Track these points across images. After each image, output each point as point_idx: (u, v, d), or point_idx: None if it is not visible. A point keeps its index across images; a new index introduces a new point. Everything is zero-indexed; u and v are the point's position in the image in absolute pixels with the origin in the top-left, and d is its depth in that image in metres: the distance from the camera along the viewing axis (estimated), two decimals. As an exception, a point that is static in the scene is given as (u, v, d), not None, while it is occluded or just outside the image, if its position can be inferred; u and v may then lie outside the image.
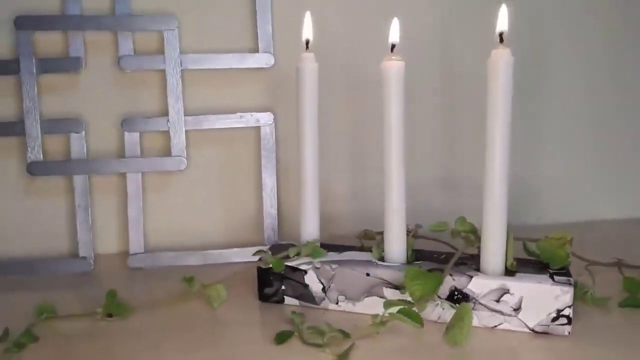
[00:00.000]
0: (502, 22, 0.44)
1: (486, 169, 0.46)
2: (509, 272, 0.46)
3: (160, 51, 0.61)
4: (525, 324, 0.45)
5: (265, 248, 0.54)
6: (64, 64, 0.60)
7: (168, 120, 0.61)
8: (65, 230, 0.63)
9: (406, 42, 0.49)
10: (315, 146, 0.52)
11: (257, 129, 0.63)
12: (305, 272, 0.50)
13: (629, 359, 0.42)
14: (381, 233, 0.51)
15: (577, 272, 0.50)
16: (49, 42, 0.60)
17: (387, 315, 0.43)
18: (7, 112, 0.61)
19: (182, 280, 0.51)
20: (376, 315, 0.43)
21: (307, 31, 0.51)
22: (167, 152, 0.62)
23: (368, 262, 0.49)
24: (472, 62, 0.49)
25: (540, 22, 0.67)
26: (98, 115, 0.62)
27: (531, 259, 0.48)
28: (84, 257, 0.61)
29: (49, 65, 0.60)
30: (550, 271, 0.46)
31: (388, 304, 0.44)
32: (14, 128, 0.60)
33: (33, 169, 0.60)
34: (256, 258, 0.63)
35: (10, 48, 0.60)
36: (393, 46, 0.48)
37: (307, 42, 0.51)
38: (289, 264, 0.50)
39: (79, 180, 0.61)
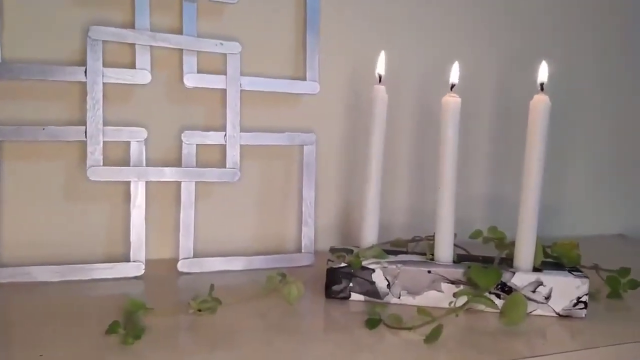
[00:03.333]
0: (543, 74, 0.58)
1: (523, 190, 0.58)
2: (536, 269, 0.59)
3: (222, 71, 0.67)
4: (553, 309, 0.57)
5: (306, 256, 0.62)
6: (131, 75, 0.63)
7: (225, 135, 0.67)
8: (118, 235, 0.65)
9: (467, 80, 0.61)
10: (380, 162, 0.61)
11: (301, 147, 0.71)
12: (373, 270, 0.58)
13: (622, 330, 0.56)
14: (428, 238, 0.62)
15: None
16: (117, 52, 0.63)
17: (458, 303, 0.53)
18: (71, 117, 0.62)
19: (268, 277, 0.57)
20: (451, 303, 0.53)
21: (381, 67, 0.61)
22: (221, 164, 0.67)
23: (426, 262, 0.59)
24: (519, 101, 0.63)
25: (574, 74, 0.87)
26: (158, 126, 0.66)
27: (547, 260, 0.62)
28: (137, 261, 0.64)
29: (116, 74, 0.63)
30: (567, 268, 0.59)
31: (459, 293, 0.54)
32: (75, 132, 0.62)
33: (92, 173, 0.62)
34: (297, 264, 0.70)
35: (80, 55, 0.62)
36: (453, 85, 0.59)
37: (380, 77, 0.60)
38: (364, 263, 0.58)
39: (136, 186, 0.64)
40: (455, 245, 0.63)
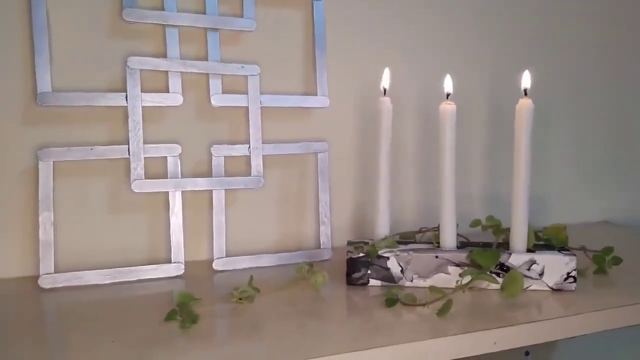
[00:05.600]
0: (526, 81, 0.67)
1: (514, 180, 0.67)
2: (529, 250, 0.67)
3: (244, 91, 0.75)
4: (546, 284, 0.66)
5: (324, 252, 0.70)
6: (165, 98, 0.72)
7: (249, 147, 0.75)
8: (158, 240, 0.73)
9: (461, 89, 0.70)
10: (388, 164, 0.70)
11: (315, 155, 0.80)
12: (388, 258, 0.67)
13: (609, 301, 0.64)
14: (434, 229, 0.70)
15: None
16: (153, 79, 0.72)
17: (464, 281, 0.61)
18: (115, 137, 0.71)
19: (297, 268, 0.65)
20: (458, 281, 0.61)
21: (385, 81, 0.70)
22: (246, 173, 0.76)
23: (433, 249, 0.68)
24: (508, 105, 0.71)
25: (552, 80, 0.96)
26: (190, 142, 0.74)
27: (538, 243, 0.70)
28: (177, 262, 0.72)
29: (152, 98, 0.71)
30: (557, 248, 0.68)
31: (464, 273, 0.62)
32: (119, 151, 0.70)
33: (136, 186, 0.70)
34: (317, 259, 0.78)
35: (121, 83, 0.70)
36: (448, 94, 0.68)
37: (385, 90, 0.69)
38: (380, 252, 0.66)
39: (174, 195, 0.72)
40: (457, 234, 0.72)
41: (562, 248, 0.68)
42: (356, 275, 0.67)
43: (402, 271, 0.67)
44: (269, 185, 0.79)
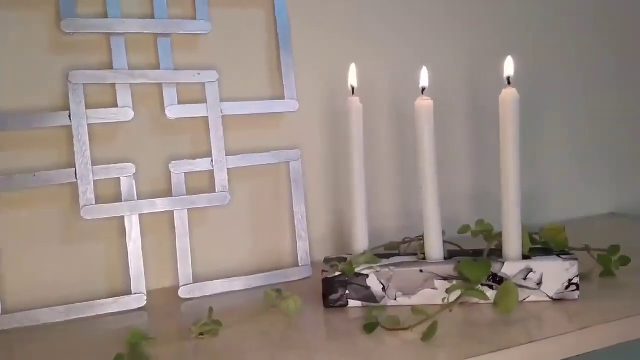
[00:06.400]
0: (509, 68, 0.60)
1: (503, 180, 0.60)
2: (525, 257, 0.60)
3: (202, 100, 0.69)
4: (546, 294, 0.59)
5: (304, 269, 0.63)
6: (114, 114, 0.66)
7: (212, 161, 0.69)
8: (117, 270, 0.67)
9: (438, 83, 0.63)
10: (362, 171, 0.63)
11: (287, 164, 0.73)
12: (367, 275, 0.60)
13: (619, 309, 0.57)
14: (418, 238, 0.63)
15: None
16: (99, 93, 0.65)
17: (451, 298, 0.54)
18: (61, 160, 0.64)
19: (266, 294, 0.58)
20: (444, 299, 0.54)
21: (353, 79, 0.63)
22: (210, 189, 0.69)
23: (417, 262, 0.61)
24: (491, 97, 0.65)
25: (539, 65, 0.89)
26: (146, 159, 0.68)
27: (536, 247, 0.63)
28: (138, 293, 0.65)
29: (99, 115, 0.65)
30: (555, 253, 0.61)
31: (451, 288, 0.55)
32: (66, 175, 0.64)
33: (86, 213, 0.63)
34: (296, 278, 0.72)
35: (64, 100, 0.64)
36: (423, 89, 0.61)
37: (353, 89, 0.63)
38: (356, 270, 0.59)
39: (130, 220, 0.66)
40: (446, 242, 0.64)
41: (562, 252, 0.61)
42: (334, 296, 0.61)
43: (384, 289, 0.60)
44: (239, 200, 0.72)
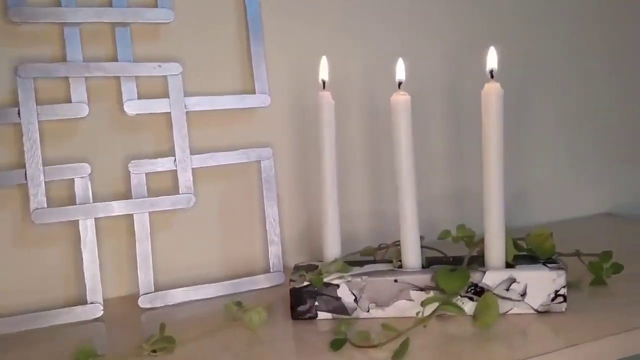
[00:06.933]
0: (492, 61, 0.55)
1: (485, 182, 0.55)
2: (509, 265, 0.55)
3: (165, 94, 0.64)
4: (530, 306, 0.54)
5: (276, 276, 0.59)
6: (67, 110, 0.61)
7: (175, 160, 0.64)
8: (72, 277, 0.62)
9: (416, 77, 0.58)
10: (334, 171, 0.58)
11: (258, 163, 0.68)
12: (338, 286, 0.55)
13: (609, 322, 0.52)
14: (395, 244, 0.59)
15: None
16: (50, 88, 0.61)
17: (426, 312, 0.50)
18: (9, 160, 0.60)
19: (226, 307, 0.54)
20: (418, 313, 0.50)
21: (323, 73, 0.58)
22: (174, 191, 0.64)
23: (392, 271, 0.56)
24: (471, 92, 0.60)
25: (526, 60, 0.82)
26: (103, 159, 0.63)
27: (521, 254, 0.58)
28: (94, 303, 0.61)
29: (52, 111, 0.60)
30: (542, 261, 0.56)
31: (426, 301, 0.50)
32: (16, 176, 0.59)
33: (37, 217, 0.59)
34: (266, 285, 0.67)
35: (11, 96, 0.59)
36: (400, 83, 0.56)
37: (324, 83, 0.58)
38: (325, 280, 0.55)
39: (84, 224, 0.61)
40: (426, 247, 0.60)
41: (549, 260, 0.57)
42: (302, 308, 0.56)
43: (355, 300, 0.55)
44: (206, 203, 0.67)
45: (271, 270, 0.68)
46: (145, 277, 0.63)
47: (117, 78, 0.63)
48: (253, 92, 0.68)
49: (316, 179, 0.70)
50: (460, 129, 0.79)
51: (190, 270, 0.67)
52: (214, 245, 0.68)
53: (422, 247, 0.60)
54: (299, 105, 0.71)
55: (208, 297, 0.64)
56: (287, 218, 0.71)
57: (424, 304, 0.51)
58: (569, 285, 0.59)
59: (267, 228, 0.68)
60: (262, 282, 0.67)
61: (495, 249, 0.55)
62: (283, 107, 0.70)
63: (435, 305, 0.51)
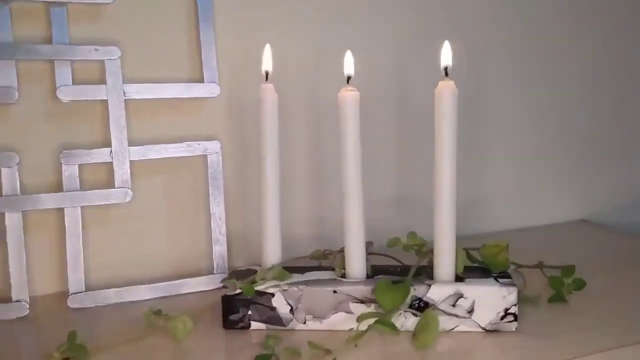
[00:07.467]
0: (446, 57, 0.50)
1: (436, 188, 0.51)
2: (459, 278, 0.51)
3: (102, 81, 0.59)
4: (478, 324, 0.50)
5: (217, 278, 0.55)
6: (-6, 94, 0.57)
7: (111, 151, 0.60)
8: (4, 274, 0.58)
9: (362, 73, 0.54)
10: (276, 171, 0.54)
11: (205, 157, 0.64)
12: (273, 295, 0.51)
13: (564, 345, 0.48)
14: (341, 251, 0.55)
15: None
16: (-25, 71, 0.56)
17: (361, 328, 0.46)
18: None
19: (145, 315, 0.50)
20: (352, 329, 0.46)
21: (267, 63, 0.53)
22: (110, 184, 0.60)
23: (333, 280, 0.52)
24: (423, 90, 0.55)
25: (483, 56, 0.77)
26: (33, 148, 0.59)
27: (474, 266, 0.54)
28: (19, 301, 0.57)
29: (-24, 95, 0.56)
30: (494, 275, 0.52)
31: (362, 317, 0.46)
32: None
33: (-42, 208, 0.55)
34: (207, 287, 0.63)
35: None
36: (349, 78, 0.52)
37: (267, 74, 0.53)
38: (258, 288, 0.51)
39: (11, 218, 0.57)
40: (378, 254, 0.56)
41: (502, 274, 0.52)
42: (234, 317, 0.52)
43: (291, 311, 0.51)
44: (147, 198, 0.63)
45: (215, 272, 0.64)
46: (75, 276, 0.59)
47: (51, 61, 0.58)
48: (201, 80, 0.63)
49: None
50: (412, 130, 0.73)
51: (127, 269, 0.63)
52: (155, 244, 0.64)
53: (372, 253, 0.56)
54: (252, 96, 0.66)
55: (144, 299, 0.60)
56: (235, 217, 0.66)
57: (359, 319, 0.47)
58: (525, 300, 0.55)
59: (213, 227, 0.64)
60: (203, 284, 0.63)
61: (444, 261, 0.51)
62: (235, 98, 0.65)
63: (373, 320, 0.47)
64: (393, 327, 0.45)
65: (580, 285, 0.56)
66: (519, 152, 0.81)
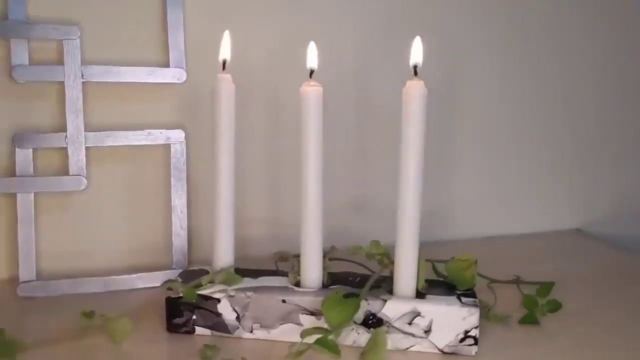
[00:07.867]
0: (417, 54, 0.45)
1: (400, 195, 0.47)
2: (420, 294, 0.48)
3: (60, 61, 0.56)
4: (435, 345, 0.46)
5: (173, 274, 0.52)
6: (-57, 71, 0.54)
7: (66, 136, 0.57)
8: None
9: (322, 68, 0.49)
10: (231, 168, 0.50)
11: (167, 146, 0.60)
12: (219, 300, 0.48)
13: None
14: (298, 256, 0.51)
15: (480, 290, 0.52)
16: None
17: (304, 344, 0.42)
18: None
19: (81, 315, 0.47)
20: (293, 345, 0.43)
21: (225, 51, 0.49)
22: (65, 171, 0.57)
23: (284, 289, 0.49)
24: (386, 90, 0.51)
25: (458, 54, 0.71)
26: (-16, 130, 0.56)
27: (439, 280, 0.50)
28: (-35, 288, 0.55)
29: None
30: (458, 292, 0.48)
31: (305, 332, 0.43)
32: None
33: None
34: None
35: None
36: (312, 72, 0.48)
37: (224, 63, 0.49)
38: (202, 292, 0.48)
39: (-41, 201, 0.55)
40: (340, 259, 0.52)
41: (467, 292, 0.48)
42: (178, 320, 0.49)
43: (238, 318, 0.48)
44: (105, 187, 0.60)
45: (173, 267, 0.61)
46: (26, 264, 0.56)
47: (7, 40, 0.55)
48: (167, 65, 0.60)
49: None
50: (377, 130, 0.68)
51: (83, 261, 0.60)
52: (112, 236, 0.61)
53: (334, 259, 0.53)
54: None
55: (97, 291, 0.58)
56: (198, 211, 0.63)
57: (302, 335, 0.43)
58: (494, 319, 0.51)
59: (173, 220, 0.61)
60: (160, 279, 0.60)
61: (405, 273, 0.47)
62: (202, 86, 0.62)
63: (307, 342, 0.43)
64: (334, 348, 0.42)
65: (555, 307, 0.52)
66: (498, 155, 0.75)
